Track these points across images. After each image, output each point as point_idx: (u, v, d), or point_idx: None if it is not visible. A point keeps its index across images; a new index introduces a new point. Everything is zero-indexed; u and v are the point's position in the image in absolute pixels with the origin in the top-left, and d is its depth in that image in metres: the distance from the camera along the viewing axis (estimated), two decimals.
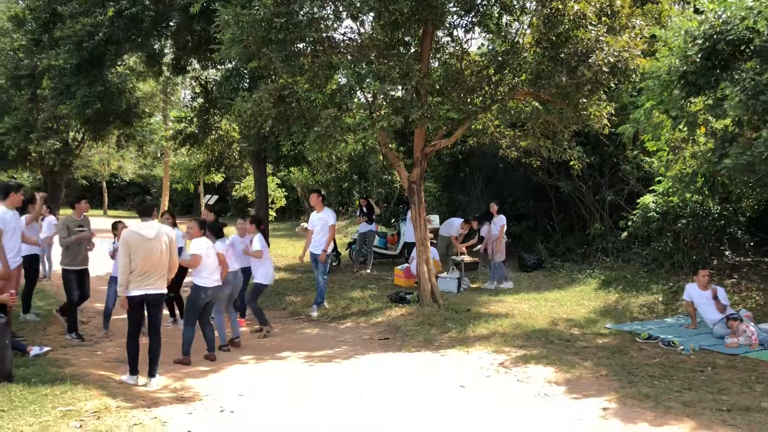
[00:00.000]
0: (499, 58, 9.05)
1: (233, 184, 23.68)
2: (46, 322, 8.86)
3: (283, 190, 23.36)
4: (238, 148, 15.68)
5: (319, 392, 6.20)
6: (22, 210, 7.98)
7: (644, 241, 12.83)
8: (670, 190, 10.44)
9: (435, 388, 6.34)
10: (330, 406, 5.76)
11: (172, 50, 15.40)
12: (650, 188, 12.29)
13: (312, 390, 6.27)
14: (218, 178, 25.73)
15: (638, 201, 12.29)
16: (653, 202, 11.95)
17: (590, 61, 8.69)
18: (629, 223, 12.73)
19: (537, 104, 10.23)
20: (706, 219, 11.44)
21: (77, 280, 8.28)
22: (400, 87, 8.72)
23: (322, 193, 10.50)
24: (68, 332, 8.19)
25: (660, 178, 11.90)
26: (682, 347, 7.69)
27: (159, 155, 31.07)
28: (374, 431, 5.13)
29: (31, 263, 8.97)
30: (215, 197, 28.99)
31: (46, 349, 7.20)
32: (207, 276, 7.36)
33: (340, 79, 9.54)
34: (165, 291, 6.57)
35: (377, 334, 8.75)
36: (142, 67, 18.03)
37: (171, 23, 13.27)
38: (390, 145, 10.24)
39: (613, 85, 9.07)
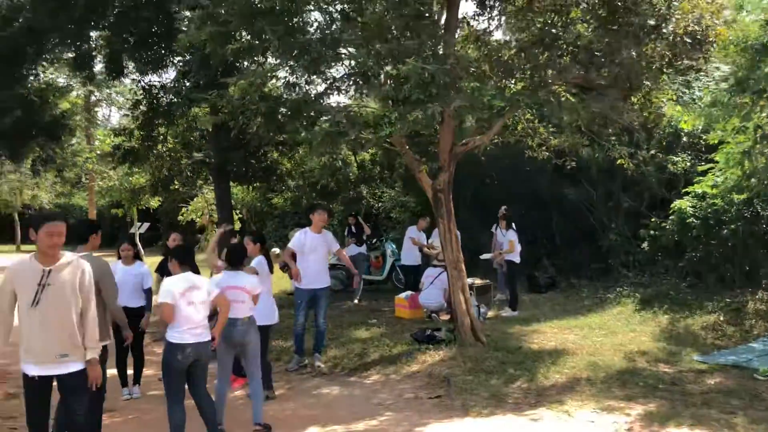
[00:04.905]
0: (553, 31, 7.24)
1: (178, 207, 20.82)
2: None
3: (237, 212, 20.82)
4: (190, 163, 13.09)
5: None
6: None
7: (670, 252, 11.30)
8: (744, 184, 8.81)
9: None
10: None
11: (107, 50, 12.86)
12: (683, 190, 10.80)
13: None
14: (154, 202, 22.83)
15: (672, 206, 10.73)
16: (691, 206, 10.43)
17: (665, 30, 7.02)
18: (654, 232, 11.18)
19: (568, 96, 8.47)
20: (757, 223, 9.97)
21: None
22: (430, 68, 6.72)
23: (329, 208, 8.34)
24: None
25: (700, 178, 10.44)
26: None
27: (81, 180, 27.76)
28: None
29: None
30: (146, 225, 25.87)
31: None
32: (187, 329, 5.12)
33: (349, 63, 7.53)
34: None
35: (422, 390, 6.61)
36: (66, 75, 15.38)
37: (109, 12, 10.77)
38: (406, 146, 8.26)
39: (687, 61, 7.38)
